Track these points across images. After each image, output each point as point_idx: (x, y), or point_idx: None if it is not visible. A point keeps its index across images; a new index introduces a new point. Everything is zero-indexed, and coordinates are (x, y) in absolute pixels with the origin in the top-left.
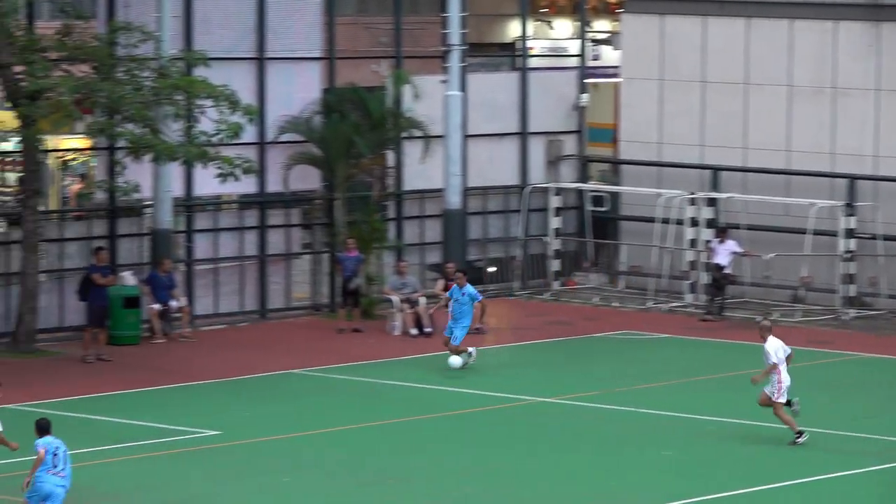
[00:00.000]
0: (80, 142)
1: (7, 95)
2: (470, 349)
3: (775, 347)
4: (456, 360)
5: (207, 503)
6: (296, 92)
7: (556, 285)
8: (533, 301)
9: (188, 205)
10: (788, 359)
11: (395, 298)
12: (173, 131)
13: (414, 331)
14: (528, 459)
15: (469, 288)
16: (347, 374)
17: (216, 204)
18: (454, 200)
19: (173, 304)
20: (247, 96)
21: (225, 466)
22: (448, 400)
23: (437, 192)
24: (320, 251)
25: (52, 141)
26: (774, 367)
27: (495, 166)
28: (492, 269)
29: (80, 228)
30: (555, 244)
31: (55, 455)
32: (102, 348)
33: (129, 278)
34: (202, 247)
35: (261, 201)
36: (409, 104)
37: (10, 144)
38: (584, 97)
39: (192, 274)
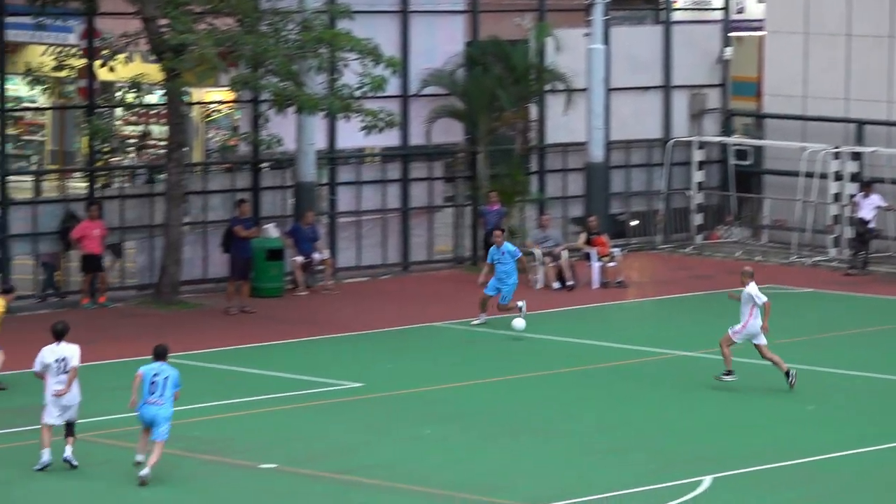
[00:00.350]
0: (224, 95)
1: (152, 48)
2: (519, 303)
3: (757, 290)
4: (520, 323)
5: (349, 456)
6: (439, 45)
7: (698, 239)
8: (675, 255)
9: (331, 157)
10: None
11: (538, 252)
12: (317, 84)
13: (556, 284)
14: (667, 413)
15: (508, 246)
16: (488, 327)
17: (359, 157)
18: (597, 154)
19: (316, 256)
20: (390, 49)
21: (367, 419)
22: (589, 353)
23: (579, 146)
24: (463, 204)
25: (196, 94)
26: (767, 304)
27: (638, 120)
28: (634, 223)
29: (223, 181)
30: (698, 198)
31: (153, 383)
32: (245, 300)
33: (272, 231)
34: (345, 199)
35: (403, 154)
36: (551, 57)
37: (155, 97)
38: (728, 50)
39: (335, 226)
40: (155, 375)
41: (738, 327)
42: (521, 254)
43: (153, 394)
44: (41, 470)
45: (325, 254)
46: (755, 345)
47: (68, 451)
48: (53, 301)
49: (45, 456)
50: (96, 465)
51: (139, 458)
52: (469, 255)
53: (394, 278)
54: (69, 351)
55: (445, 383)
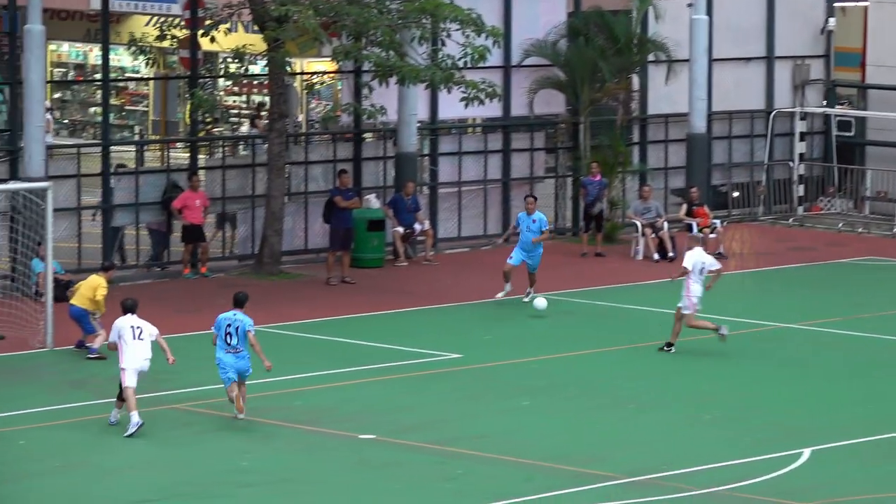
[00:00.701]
0: (327, 65)
1: (254, 19)
2: (507, 286)
3: (694, 258)
4: (542, 302)
5: (447, 427)
6: (541, 15)
7: (800, 211)
8: (777, 226)
9: (433, 128)
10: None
11: (639, 223)
12: (419, 55)
13: (656, 256)
14: (765, 385)
15: (539, 214)
16: (589, 298)
17: (460, 127)
18: (699, 125)
19: (417, 227)
20: (492, 19)
21: (465, 390)
22: None
23: (681, 117)
24: (564, 175)
25: (298, 64)
26: (685, 272)
27: (740, 90)
28: (735, 195)
29: (324, 151)
30: (799, 169)
31: (228, 333)
32: (346, 271)
33: (373, 201)
34: (446, 170)
35: (505, 125)
36: (654, 28)
37: (258, 67)
38: (832, 21)
39: (436, 197)
40: (228, 325)
41: (684, 301)
42: (548, 226)
43: (229, 343)
44: (136, 430)
45: (426, 225)
46: (678, 306)
47: (115, 415)
48: (157, 271)
49: (135, 417)
50: (194, 433)
51: (241, 415)
52: (570, 225)
53: (495, 249)
54: (143, 323)
55: (543, 354)
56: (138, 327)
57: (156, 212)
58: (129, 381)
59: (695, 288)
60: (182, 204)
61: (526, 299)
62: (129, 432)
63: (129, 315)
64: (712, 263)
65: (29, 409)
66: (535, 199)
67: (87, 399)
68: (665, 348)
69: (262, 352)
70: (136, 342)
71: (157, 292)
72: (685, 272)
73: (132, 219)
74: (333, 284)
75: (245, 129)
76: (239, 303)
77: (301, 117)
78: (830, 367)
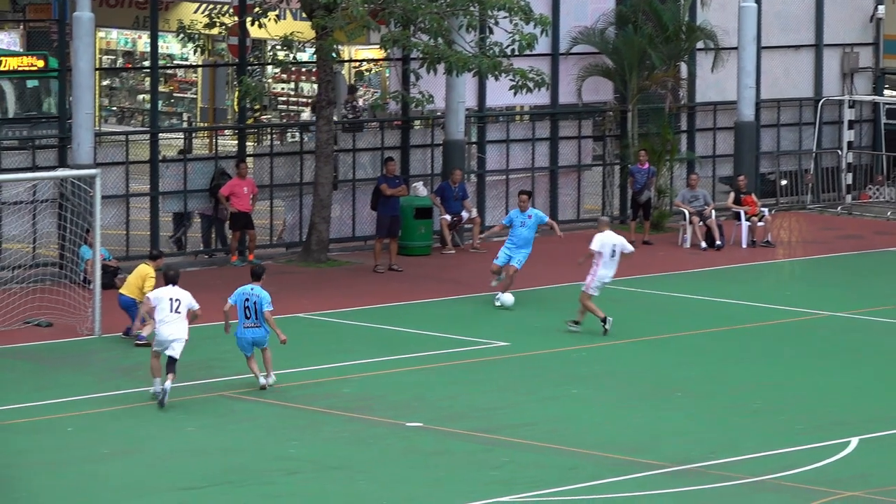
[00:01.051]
0: (374, 53)
1: (303, 6)
2: (501, 275)
3: (602, 240)
4: (508, 298)
5: (494, 415)
6: (589, 3)
7: (848, 199)
8: (825, 214)
9: (480, 116)
10: (621, 255)
11: (686, 211)
12: (467, 43)
13: (703, 244)
14: (813, 374)
15: (533, 210)
16: (636, 286)
17: (508, 115)
18: (747, 113)
19: (464, 214)
20: (540, 7)
21: (512, 378)
22: (736, 313)
23: (729, 104)
24: (612, 163)
25: (346, 51)
26: (591, 255)
27: (789, 78)
28: (783, 183)
29: (372, 139)
30: (847, 157)
31: (246, 308)
32: (394, 259)
33: (420, 189)
34: (493, 158)
35: (552, 113)
36: (702, 15)
37: (306, 55)
38: (881, 9)
39: (483, 185)
40: (246, 300)
41: (588, 279)
42: (547, 219)
43: (248, 318)
44: (164, 398)
45: (473, 212)
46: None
47: (168, 384)
48: (205, 259)
49: (157, 385)
50: (243, 421)
51: (263, 381)
52: (617, 214)
53: (541, 237)
54: (183, 294)
55: (591, 343)
56: (177, 300)
57: (202, 199)
58: (157, 346)
59: (602, 272)
60: (230, 191)
61: (494, 283)
62: (158, 399)
63: (169, 286)
64: (623, 245)
65: (77, 396)
66: (529, 195)
67: (134, 386)
68: (571, 325)
69: (276, 327)
70: (171, 315)
71: (204, 280)
72: (591, 255)
73: (193, 205)
74: (381, 272)
75: (305, 115)
76: (256, 276)
77: (360, 102)
78: (879, 356)
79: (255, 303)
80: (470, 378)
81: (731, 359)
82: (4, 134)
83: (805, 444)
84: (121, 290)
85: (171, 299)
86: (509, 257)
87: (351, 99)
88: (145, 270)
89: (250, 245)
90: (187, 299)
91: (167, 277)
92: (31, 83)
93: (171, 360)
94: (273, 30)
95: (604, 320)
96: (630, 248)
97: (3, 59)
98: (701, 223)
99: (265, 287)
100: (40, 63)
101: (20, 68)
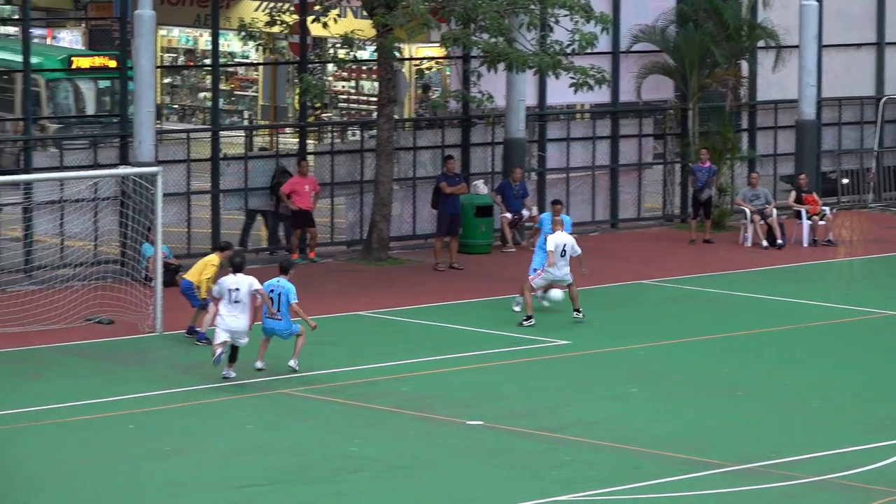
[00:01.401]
0: (435, 51)
1: (364, 4)
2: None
3: (558, 241)
4: (557, 294)
5: (554, 413)
6: (650, 1)
7: None
8: (887, 213)
9: (541, 114)
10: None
11: (747, 210)
12: (527, 41)
13: (765, 243)
14: (880, 372)
15: (565, 217)
16: (697, 284)
17: (569, 113)
18: (808, 111)
19: (525, 213)
20: (601, 5)
21: (573, 376)
22: (798, 312)
23: (790, 103)
24: (672, 161)
25: (407, 49)
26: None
27: (851, 77)
28: (845, 181)
29: (432, 137)
30: None
31: (271, 299)
32: (454, 257)
33: (481, 187)
34: (554, 156)
35: (613, 111)
36: (763, 13)
37: (367, 53)
38: None
39: (544, 183)
40: (271, 291)
41: (534, 273)
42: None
43: (272, 309)
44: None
45: (534, 210)
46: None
47: (231, 373)
48: (266, 256)
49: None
50: (304, 419)
51: (259, 364)
52: (678, 212)
53: (602, 235)
54: (242, 282)
55: (651, 341)
56: (236, 288)
57: (263, 197)
58: (218, 339)
59: (551, 270)
60: (290, 189)
61: (517, 308)
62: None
63: (233, 274)
64: (573, 246)
65: (138, 394)
66: (560, 203)
67: (196, 384)
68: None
69: (305, 315)
70: (230, 306)
71: (265, 277)
72: (550, 256)
73: (254, 203)
74: (441, 270)
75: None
76: (283, 270)
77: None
78: None
79: (279, 294)
80: (530, 376)
81: (791, 358)
82: (76, 133)
83: (865, 444)
84: (184, 275)
85: (229, 290)
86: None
87: (424, 97)
88: (211, 259)
89: (311, 243)
90: (246, 286)
91: (232, 264)
92: (103, 83)
93: (235, 350)
94: (334, 28)
95: (528, 318)
96: (579, 250)
97: (76, 59)
98: (762, 222)
99: (293, 281)
100: (112, 63)
101: (92, 68)
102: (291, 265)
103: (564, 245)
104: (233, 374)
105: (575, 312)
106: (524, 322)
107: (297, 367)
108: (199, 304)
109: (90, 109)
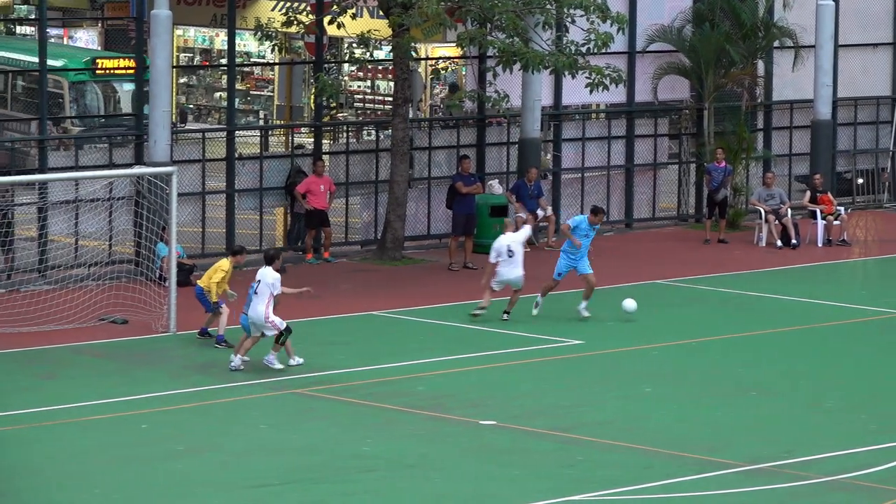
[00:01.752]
0: (451, 51)
1: (380, 4)
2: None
3: (497, 244)
4: (631, 304)
5: (568, 413)
6: (666, 1)
7: None
8: None
9: (556, 114)
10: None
11: (762, 210)
12: (543, 41)
13: (779, 243)
14: (889, 373)
15: (576, 217)
16: (712, 284)
17: (584, 113)
18: (824, 111)
19: (540, 213)
20: (617, 5)
21: (586, 376)
22: (812, 312)
23: (806, 103)
24: (687, 161)
25: (423, 49)
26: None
27: (867, 77)
28: (860, 181)
29: (448, 137)
30: None
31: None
32: (469, 256)
33: (496, 187)
34: (569, 156)
35: (629, 111)
36: (780, 13)
37: (383, 53)
38: None
39: (559, 183)
40: (252, 286)
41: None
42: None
43: (250, 302)
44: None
45: (549, 210)
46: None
47: (238, 360)
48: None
49: (237, 361)
50: (318, 419)
51: (237, 360)
52: (693, 212)
53: (617, 235)
54: (264, 274)
55: (665, 341)
56: (258, 280)
57: (279, 197)
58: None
59: (501, 271)
60: (306, 189)
61: (536, 312)
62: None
63: (262, 268)
64: (516, 244)
65: (151, 393)
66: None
67: (209, 384)
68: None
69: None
70: (252, 297)
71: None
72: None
73: (269, 202)
74: (455, 270)
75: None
76: (268, 259)
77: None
78: None
79: (255, 286)
80: (544, 376)
81: (805, 358)
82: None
83: (879, 444)
84: (198, 281)
85: (254, 282)
86: (570, 267)
87: (449, 98)
88: (221, 264)
89: (325, 243)
90: (267, 281)
91: (265, 257)
92: (128, 85)
93: (279, 335)
94: (350, 28)
95: (482, 308)
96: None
97: (100, 60)
98: (777, 222)
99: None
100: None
101: (116, 70)
102: (276, 253)
103: (508, 245)
104: (278, 365)
105: (504, 314)
106: (476, 312)
107: (293, 364)
108: (212, 309)
109: (114, 111)
